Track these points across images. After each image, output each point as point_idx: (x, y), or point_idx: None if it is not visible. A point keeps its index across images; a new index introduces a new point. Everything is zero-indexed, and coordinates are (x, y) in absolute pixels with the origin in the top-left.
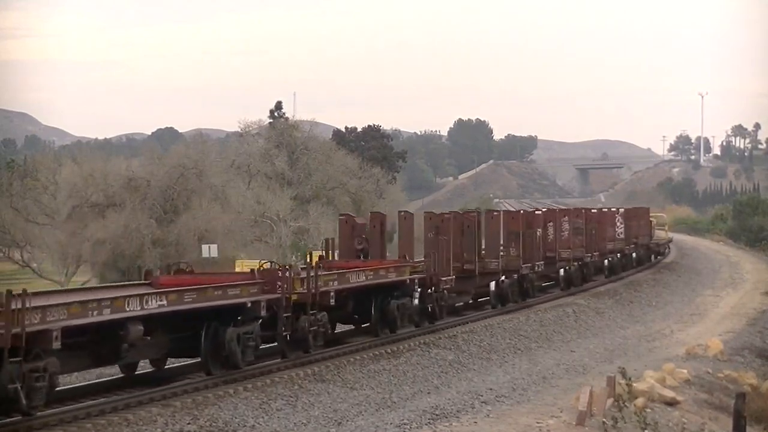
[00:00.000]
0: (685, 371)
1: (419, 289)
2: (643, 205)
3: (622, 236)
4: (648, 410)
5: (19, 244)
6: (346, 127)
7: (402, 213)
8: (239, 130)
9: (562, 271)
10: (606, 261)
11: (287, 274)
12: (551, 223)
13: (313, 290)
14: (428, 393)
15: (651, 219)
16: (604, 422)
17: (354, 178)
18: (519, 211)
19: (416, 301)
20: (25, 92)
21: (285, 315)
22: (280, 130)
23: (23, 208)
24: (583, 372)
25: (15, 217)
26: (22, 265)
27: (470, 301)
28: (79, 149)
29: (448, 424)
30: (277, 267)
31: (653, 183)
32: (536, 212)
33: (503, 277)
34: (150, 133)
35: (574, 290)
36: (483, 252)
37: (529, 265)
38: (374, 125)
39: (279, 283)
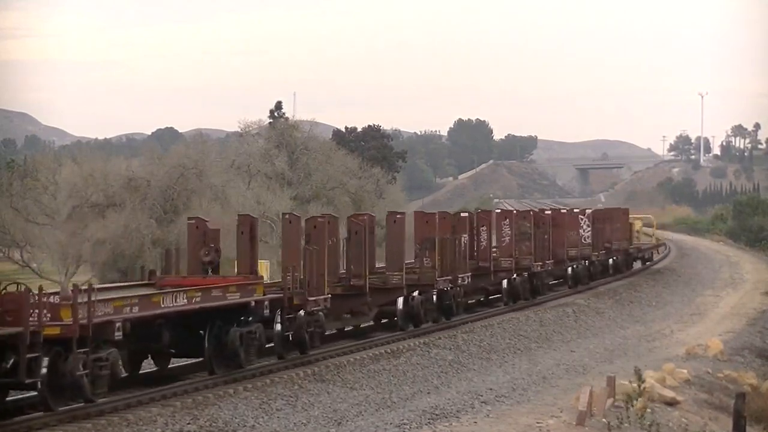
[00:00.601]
0: (685, 371)
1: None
2: (622, 206)
3: (588, 241)
4: (648, 410)
5: (19, 244)
6: (346, 127)
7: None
8: (239, 130)
9: (505, 283)
10: (569, 269)
11: (39, 299)
12: (484, 227)
13: (85, 320)
14: (428, 393)
15: (633, 221)
16: (608, 423)
17: (354, 178)
18: (434, 213)
19: (278, 327)
20: (25, 92)
21: (30, 356)
22: (280, 130)
23: (23, 208)
24: (583, 372)
25: (15, 217)
26: (22, 265)
27: (371, 323)
28: (79, 149)
29: (448, 424)
30: (23, 290)
31: (653, 183)
32: (462, 214)
33: (416, 293)
34: (150, 133)
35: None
36: (389, 263)
37: (449, 278)
38: (374, 125)
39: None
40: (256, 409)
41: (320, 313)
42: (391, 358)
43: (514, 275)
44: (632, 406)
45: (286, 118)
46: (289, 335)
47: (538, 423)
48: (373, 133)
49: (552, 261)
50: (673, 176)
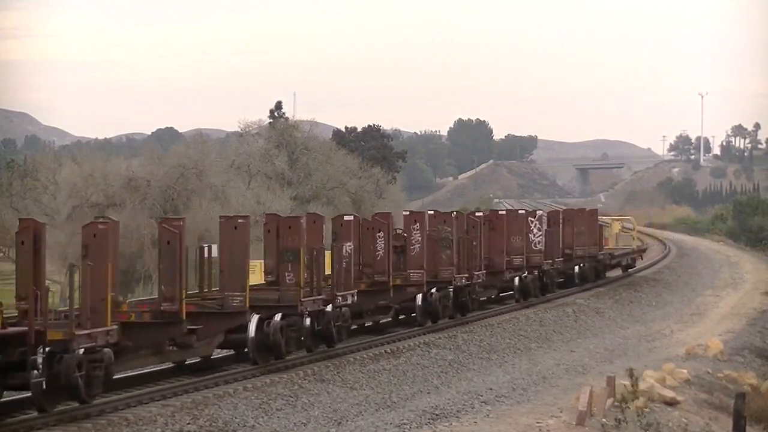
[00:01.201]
0: (685, 371)
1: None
2: (593, 207)
3: (540, 247)
4: (647, 410)
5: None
6: (346, 127)
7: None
8: (239, 130)
9: (419, 299)
10: (517, 280)
11: None
12: (381, 234)
13: None
14: (428, 393)
15: (611, 223)
16: (604, 423)
17: (354, 178)
18: (300, 217)
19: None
20: (25, 92)
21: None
22: (280, 130)
23: (23, 208)
24: (583, 372)
25: (15, 217)
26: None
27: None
28: (79, 149)
29: (448, 424)
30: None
31: (653, 183)
32: (346, 218)
33: (278, 317)
34: (150, 133)
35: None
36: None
37: (324, 297)
38: (374, 125)
39: None
40: (256, 409)
41: (105, 350)
42: (391, 358)
43: (433, 290)
44: (627, 407)
45: (286, 118)
46: (57, 381)
47: (538, 423)
48: (373, 133)
49: (484, 272)
50: (673, 176)
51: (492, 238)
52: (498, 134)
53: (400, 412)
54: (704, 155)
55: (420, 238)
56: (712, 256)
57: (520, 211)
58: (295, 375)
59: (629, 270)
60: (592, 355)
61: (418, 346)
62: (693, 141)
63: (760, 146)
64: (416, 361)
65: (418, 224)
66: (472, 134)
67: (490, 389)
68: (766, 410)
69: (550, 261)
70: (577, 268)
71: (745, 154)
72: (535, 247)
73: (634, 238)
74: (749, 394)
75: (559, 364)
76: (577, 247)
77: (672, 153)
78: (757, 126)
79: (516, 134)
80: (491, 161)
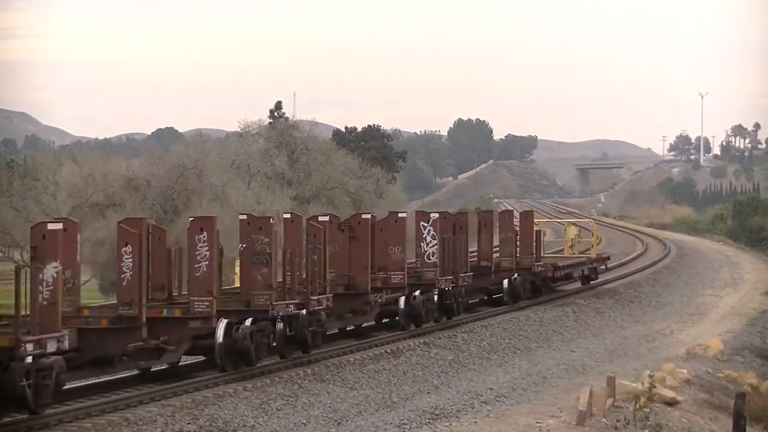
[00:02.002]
0: (685, 371)
1: None
2: (529, 207)
3: (435, 260)
4: (648, 410)
5: (19, 244)
6: (346, 127)
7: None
8: (239, 130)
9: (221, 334)
10: (402, 303)
11: None
12: (128, 246)
13: None
14: (428, 393)
15: (567, 227)
16: (617, 421)
17: (354, 178)
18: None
19: None
20: (25, 92)
21: None
22: (280, 130)
23: (23, 208)
24: (583, 372)
25: (15, 217)
26: (22, 266)
27: None
28: (79, 149)
29: (448, 424)
30: None
31: (653, 183)
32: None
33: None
34: (150, 133)
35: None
36: None
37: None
38: (374, 125)
39: None
40: (256, 409)
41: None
42: (391, 358)
43: (247, 321)
44: (638, 405)
45: (286, 118)
46: None
47: (538, 423)
48: (373, 133)
49: (331, 294)
50: (673, 176)
51: (353, 250)
52: (498, 134)
53: (400, 412)
54: (704, 155)
55: (206, 253)
56: (712, 256)
57: (400, 215)
58: (295, 375)
59: (591, 282)
60: (592, 355)
61: (418, 346)
62: (693, 141)
63: (760, 146)
64: (416, 361)
65: (205, 234)
66: (472, 134)
67: (490, 389)
68: (766, 410)
69: (451, 277)
70: (506, 283)
71: (745, 154)
72: (429, 259)
73: (593, 245)
74: (749, 394)
75: (559, 364)
76: (503, 258)
77: (672, 153)
78: (757, 126)
79: (516, 134)
80: (491, 161)
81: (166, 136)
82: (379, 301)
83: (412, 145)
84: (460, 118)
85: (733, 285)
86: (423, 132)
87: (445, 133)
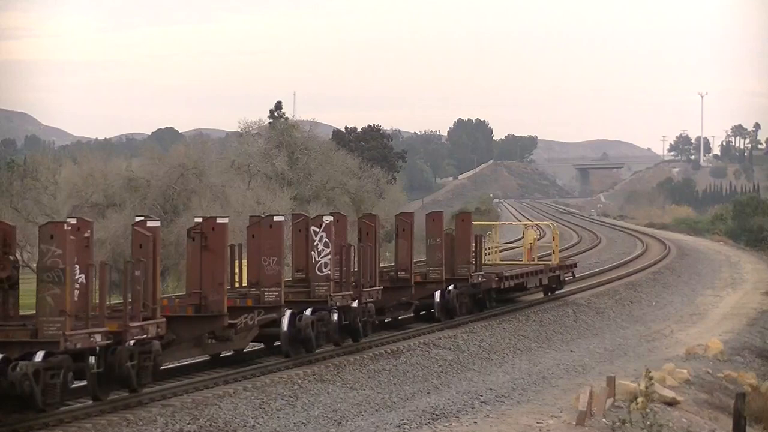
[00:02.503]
0: (685, 371)
1: None
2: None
3: (328, 271)
4: (648, 410)
5: (19, 244)
6: (346, 127)
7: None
8: (239, 130)
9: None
10: (286, 324)
11: None
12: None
13: None
14: (428, 393)
15: (526, 231)
16: (613, 422)
17: (354, 178)
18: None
19: None
20: (25, 92)
21: None
22: (280, 130)
23: (23, 208)
24: (583, 372)
25: (15, 217)
26: (22, 266)
27: None
28: (79, 149)
29: (448, 424)
30: None
31: (653, 183)
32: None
33: None
34: (150, 133)
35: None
36: None
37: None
38: (374, 125)
39: None
40: (256, 409)
41: None
42: (391, 358)
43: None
44: (637, 404)
45: (286, 118)
46: None
47: (538, 423)
48: (373, 133)
49: (158, 320)
50: (673, 176)
51: (207, 263)
52: (498, 134)
53: (400, 412)
54: (704, 155)
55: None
56: (712, 256)
57: (276, 218)
58: (295, 375)
59: (557, 292)
60: (592, 355)
61: (418, 346)
62: (693, 141)
63: (760, 146)
64: (416, 361)
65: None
66: (472, 134)
67: (490, 389)
68: (766, 410)
69: (350, 293)
70: (437, 296)
71: (745, 154)
72: (321, 271)
73: (554, 251)
74: (749, 394)
75: (559, 364)
76: (430, 268)
77: (672, 153)
78: (757, 126)
79: (516, 134)
80: (491, 161)
81: (166, 136)
82: (251, 323)
83: (412, 145)
84: (460, 118)
85: (733, 285)
86: (423, 132)
87: (445, 133)
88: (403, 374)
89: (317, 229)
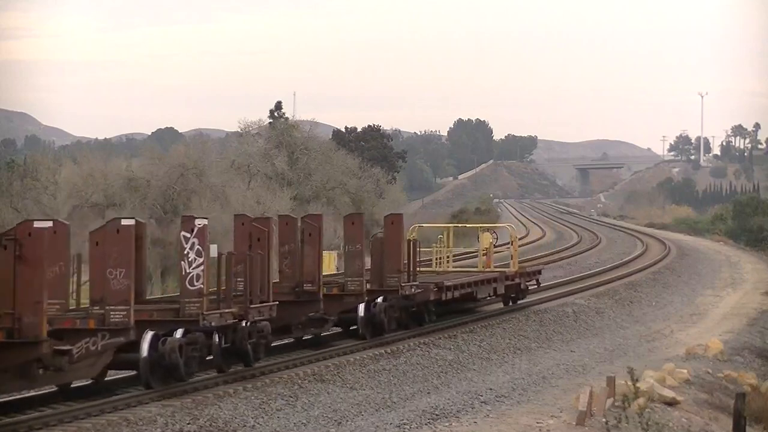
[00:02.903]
0: (685, 371)
1: None
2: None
3: (200, 285)
4: (647, 410)
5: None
6: (346, 127)
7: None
8: (239, 130)
9: None
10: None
11: None
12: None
13: None
14: (428, 393)
15: (480, 235)
16: (606, 422)
17: (354, 178)
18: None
19: None
20: (25, 92)
21: None
22: (280, 130)
23: (23, 208)
24: (583, 372)
25: (15, 217)
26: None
27: None
28: (79, 149)
29: (447, 424)
30: None
31: (653, 183)
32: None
33: None
34: (150, 133)
35: None
36: None
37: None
38: (374, 125)
39: None
40: (256, 409)
41: None
42: (391, 358)
43: None
44: (629, 406)
45: (286, 118)
46: None
47: (538, 423)
48: (373, 133)
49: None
50: (673, 176)
51: (22, 277)
52: (498, 134)
53: (400, 412)
54: (704, 155)
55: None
56: (712, 256)
57: (125, 222)
58: (295, 375)
59: (519, 302)
60: (592, 355)
61: (418, 346)
62: (693, 141)
63: (760, 146)
64: (416, 361)
65: None
66: (472, 134)
67: (490, 389)
68: (766, 410)
69: (232, 310)
70: (361, 310)
71: (745, 154)
72: (193, 285)
73: (512, 257)
74: (749, 394)
75: (559, 364)
76: (349, 278)
77: (672, 153)
78: (757, 126)
79: (516, 134)
80: (491, 161)
81: (166, 136)
82: (93, 349)
83: (412, 145)
84: (460, 118)
85: (733, 285)
86: (423, 132)
87: (445, 133)
88: (403, 374)
89: (188, 235)
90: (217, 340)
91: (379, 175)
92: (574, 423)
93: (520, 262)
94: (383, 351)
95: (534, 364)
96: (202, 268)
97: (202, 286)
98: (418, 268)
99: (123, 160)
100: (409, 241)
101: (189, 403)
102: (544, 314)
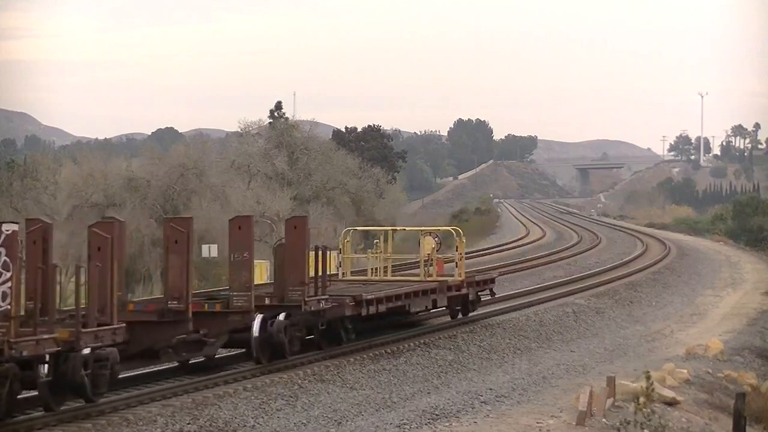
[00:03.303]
0: (685, 371)
1: None
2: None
3: (7, 306)
4: (648, 410)
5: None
6: (346, 127)
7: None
8: (239, 130)
9: None
10: None
11: None
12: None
13: None
14: (428, 393)
15: (423, 238)
16: (619, 422)
17: (354, 178)
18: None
19: None
20: (25, 92)
21: None
22: (280, 130)
23: (23, 208)
24: (583, 372)
25: (15, 218)
26: (22, 265)
27: None
28: (79, 149)
29: (447, 424)
30: None
31: (653, 183)
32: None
33: None
34: (150, 133)
35: None
36: None
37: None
38: (374, 125)
39: None
40: (256, 409)
41: None
42: (391, 358)
43: None
44: (638, 405)
45: (286, 118)
46: None
47: (538, 423)
48: (373, 133)
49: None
50: (673, 176)
51: None
52: (498, 134)
53: (400, 412)
54: (704, 155)
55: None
56: (712, 256)
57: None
58: (295, 375)
59: (470, 314)
60: (592, 355)
61: (418, 346)
62: (693, 141)
63: (760, 146)
64: (416, 361)
65: None
66: (472, 134)
67: (490, 389)
68: (766, 410)
69: (50, 336)
70: (256, 329)
71: (745, 154)
72: None
73: (456, 263)
74: (749, 394)
75: (559, 364)
76: (235, 293)
77: (672, 153)
78: (757, 126)
79: (516, 134)
80: (491, 161)
81: (166, 136)
82: None
83: (412, 145)
84: (460, 118)
85: (733, 285)
86: (423, 132)
87: (445, 133)
88: (403, 374)
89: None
90: (42, 371)
91: (379, 175)
92: (574, 423)
93: (488, 269)
94: (383, 351)
95: (534, 364)
96: (9, 284)
97: (9, 307)
98: (329, 280)
99: (123, 160)
100: (316, 247)
101: (189, 403)
102: (545, 314)
